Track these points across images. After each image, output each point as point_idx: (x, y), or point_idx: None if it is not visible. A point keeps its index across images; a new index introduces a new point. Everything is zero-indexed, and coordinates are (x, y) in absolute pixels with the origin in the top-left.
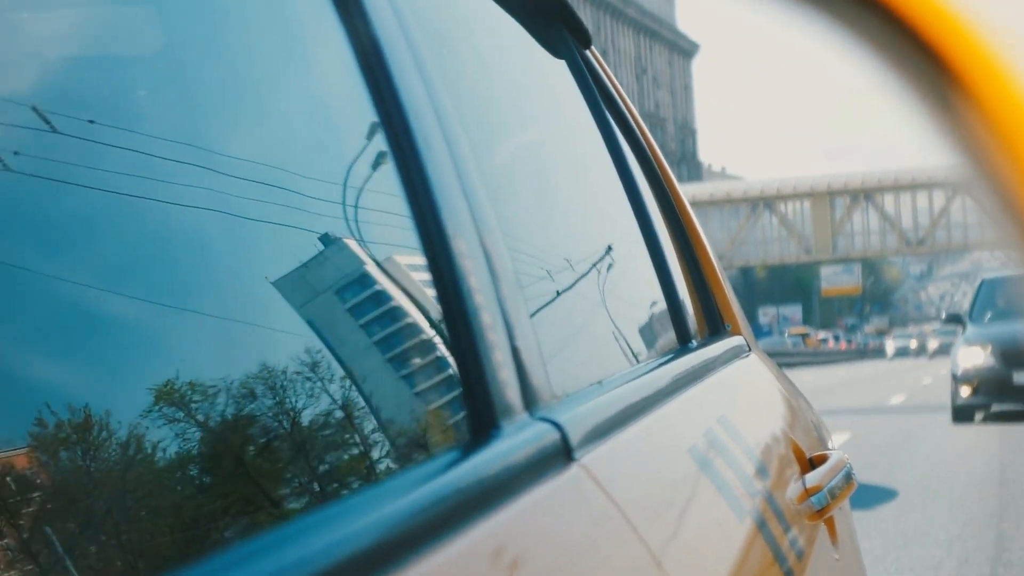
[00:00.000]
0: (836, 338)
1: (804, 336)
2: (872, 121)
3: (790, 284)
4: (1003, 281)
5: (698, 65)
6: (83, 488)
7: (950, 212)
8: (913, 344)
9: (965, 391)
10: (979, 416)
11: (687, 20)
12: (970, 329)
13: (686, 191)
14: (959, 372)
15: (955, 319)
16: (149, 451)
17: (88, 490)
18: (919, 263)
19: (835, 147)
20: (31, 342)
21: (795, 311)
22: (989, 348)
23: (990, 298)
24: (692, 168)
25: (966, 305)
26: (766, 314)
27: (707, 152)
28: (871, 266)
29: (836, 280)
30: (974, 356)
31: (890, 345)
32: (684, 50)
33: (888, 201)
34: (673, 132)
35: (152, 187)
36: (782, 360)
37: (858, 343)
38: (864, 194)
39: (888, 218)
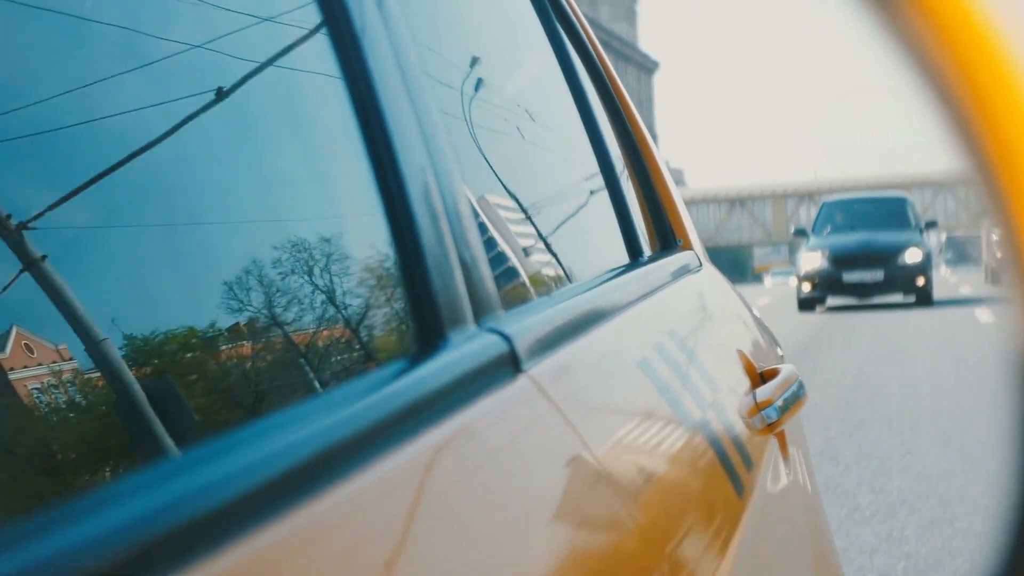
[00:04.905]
0: None
1: None
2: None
3: (728, 262)
4: (839, 203)
5: (656, 79)
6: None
7: None
8: (793, 282)
9: (806, 287)
10: (820, 308)
11: (647, 41)
12: (811, 239)
13: (686, 195)
14: (801, 272)
15: (801, 232)
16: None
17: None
18: None
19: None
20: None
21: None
22: (825, 253)
23: (830, 216)
24: None
25: None
26: None
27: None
28: (794, 246)
29: (767, 258)
30: (813, 260)
31: (768, 280)
32: (647, 68)
33: None
34: None
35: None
36: None
37: None
38: (808, 195)
39: None
